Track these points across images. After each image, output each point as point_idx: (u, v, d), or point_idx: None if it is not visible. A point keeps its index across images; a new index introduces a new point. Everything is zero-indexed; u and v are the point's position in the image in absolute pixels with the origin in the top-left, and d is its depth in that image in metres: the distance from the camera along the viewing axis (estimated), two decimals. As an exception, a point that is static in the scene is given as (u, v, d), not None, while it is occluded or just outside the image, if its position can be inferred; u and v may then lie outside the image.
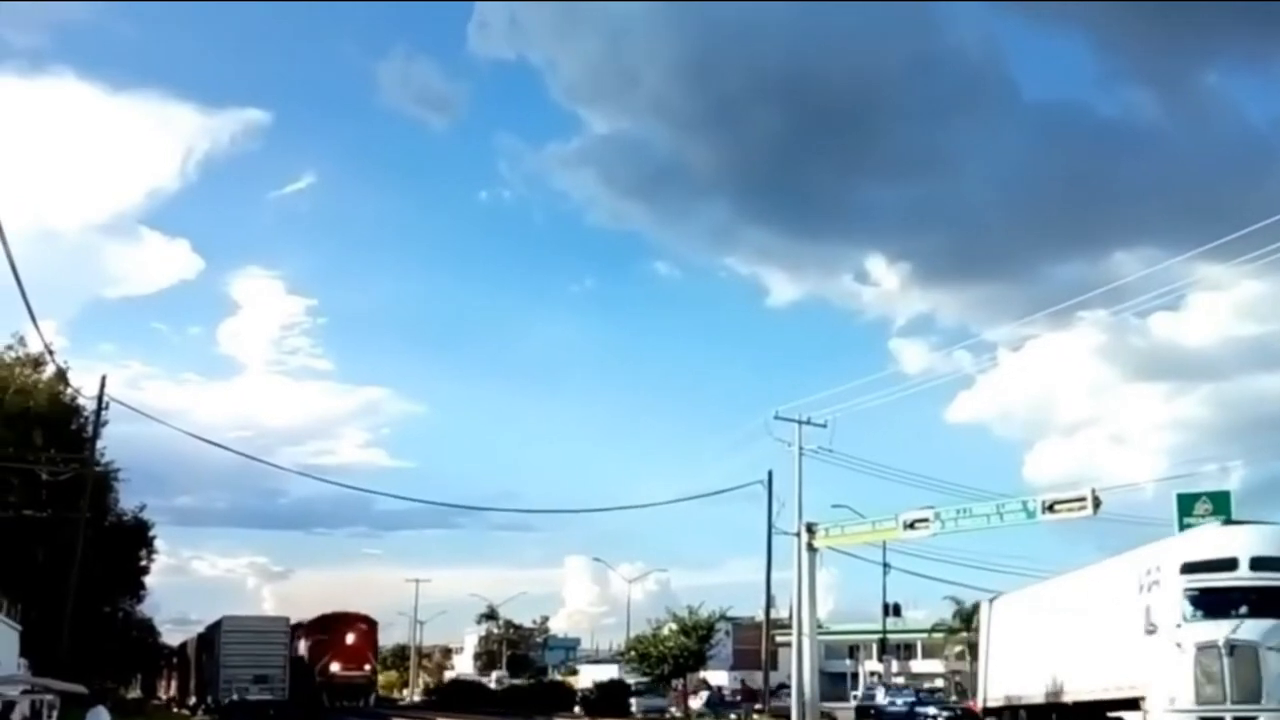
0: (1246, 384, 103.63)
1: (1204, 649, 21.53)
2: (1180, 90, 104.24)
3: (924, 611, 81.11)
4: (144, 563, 52.01)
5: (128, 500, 48.32)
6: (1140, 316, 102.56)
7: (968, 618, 63.01)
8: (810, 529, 40.32)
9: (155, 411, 44.26)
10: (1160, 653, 22.59)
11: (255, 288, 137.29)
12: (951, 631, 74.20)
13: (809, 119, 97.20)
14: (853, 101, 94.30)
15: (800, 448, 43.51)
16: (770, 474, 45.16)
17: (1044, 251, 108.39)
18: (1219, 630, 21.62)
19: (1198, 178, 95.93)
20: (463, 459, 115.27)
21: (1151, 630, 23.05)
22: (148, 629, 68.21)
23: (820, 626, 50.33)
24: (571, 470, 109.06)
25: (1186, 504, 56.41)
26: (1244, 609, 21.92)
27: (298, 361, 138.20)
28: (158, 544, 52.76)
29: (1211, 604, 22.28)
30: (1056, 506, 31.58)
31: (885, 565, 58.54)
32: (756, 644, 59.55)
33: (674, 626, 58.72)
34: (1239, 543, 23.38)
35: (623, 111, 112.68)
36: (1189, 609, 22.42)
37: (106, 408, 38.51)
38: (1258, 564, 22.46)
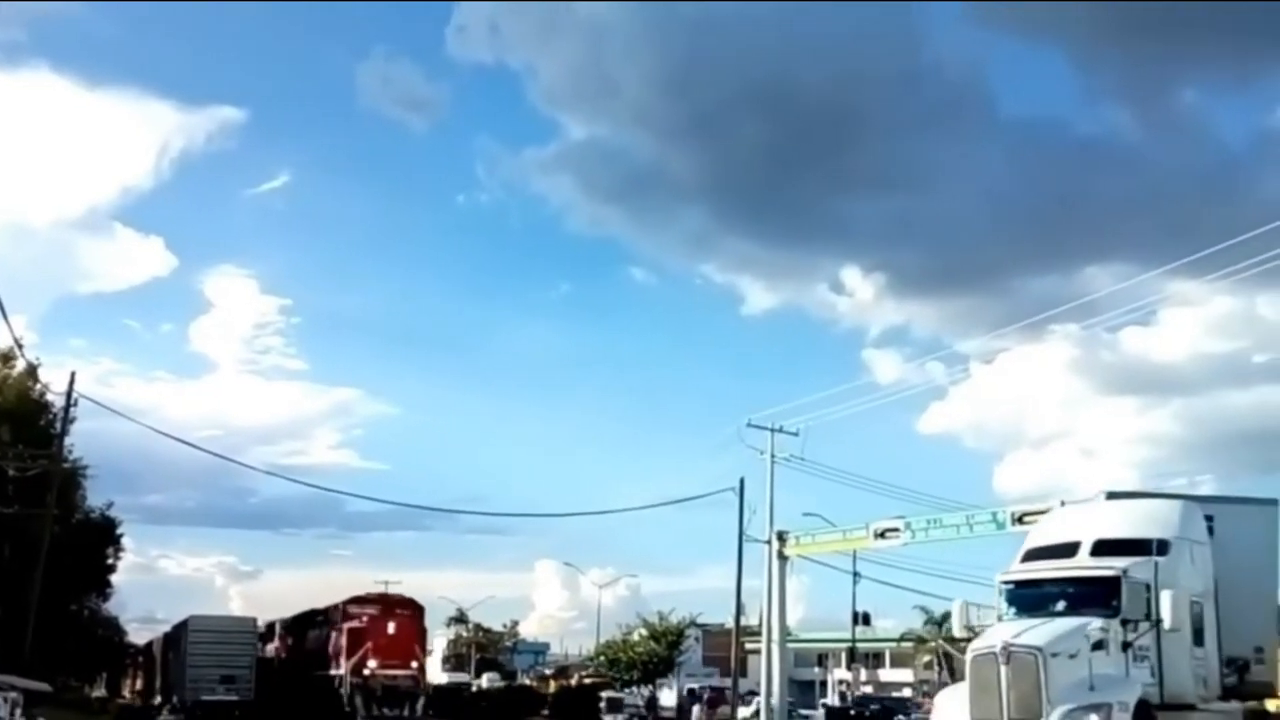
0: (1217, 399, 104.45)
1: (980, 657, 17.84)
2: (1157, 108, 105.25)
3: (893, 621, 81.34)
4: (111, 560, 51.76)
5: (95, 497, 48.10)
6: (1111, 331, 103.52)
7: (940, 623, 63.25)
8: (781, 537, 40.36)
9: (126, 409, 44.16)
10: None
11: (229, 286, 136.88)
12: (921, 641, 74.46)
13: (789, 130, 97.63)
14: (833, 114, 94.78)
15: (772, 455, 43.66)
16: (742, 481, 45.22)
17: (1018, 265, 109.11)
18: (1005, 633, 18.05)
19: (1172, 195, 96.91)
20: (435, 461, 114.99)
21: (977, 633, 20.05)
22: (114, 627, 67.75)
23: (790, 634, 50.40)
24: (544, 474, 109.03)
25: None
26: (1061, 604, 18.61)
27: (270, 361, 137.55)
28: (125, 542, 52.52)
29: (1025, 600, 19.15)
30: (1026, 518, 31.59)
31: (855, 574, 58.61)
32: (726, 650, 59.53)
33: (644, 632, 58.74)
34: (1087, 523, 20.53)
35: (602, 118, 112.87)
36: (1004, 606, 19.44)
37: (75, 404, 38.31)
38: (1099, 549, 19.28)
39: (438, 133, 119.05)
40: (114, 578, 53.85)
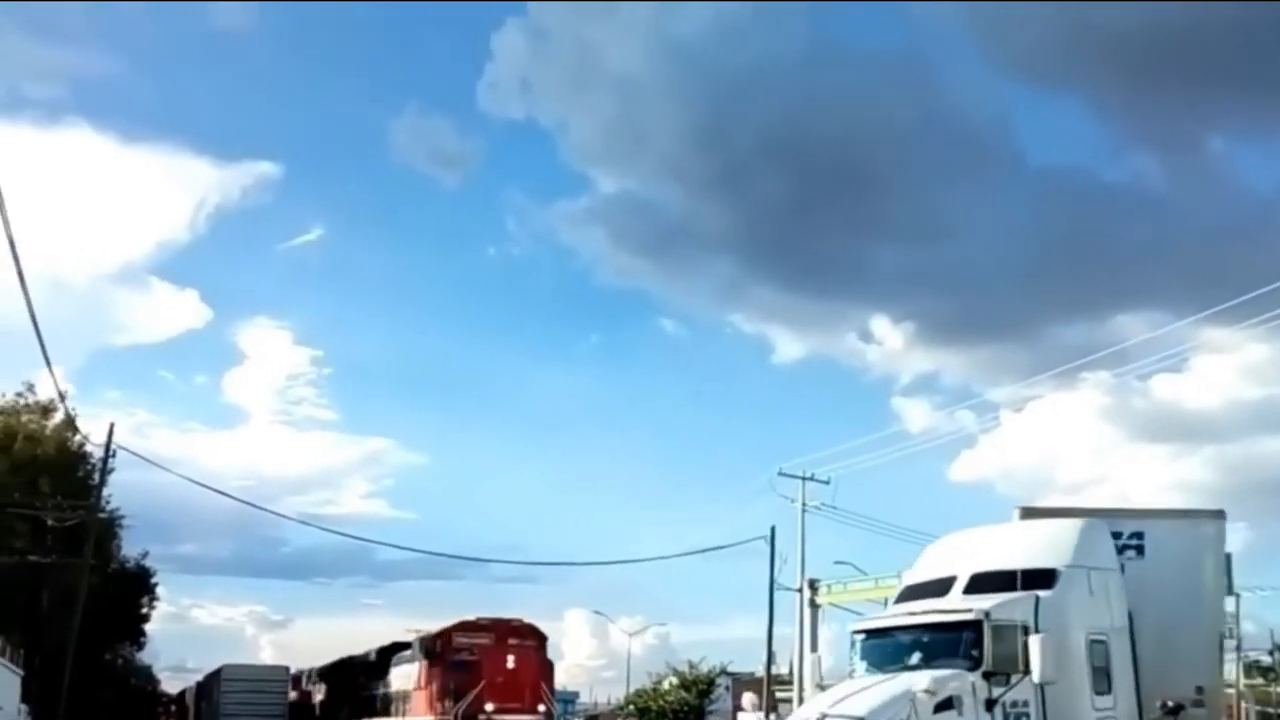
0: (1249, 446, 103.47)
1: None
2: (1184, 156, 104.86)
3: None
4: (145, 610, 52.33)
5: (130, 547, 48.67)
6: (1142, 379, 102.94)
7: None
8: (813, 585, 40.55)
9: (160, 459, 44.55)
10: None
11: (262, 338, 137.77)
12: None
13: (815, 180, 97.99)
14: (859, 164, 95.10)
15: (804, 504, 43.80)
16: (773, 530, 45.27)
17: (1047, 314, 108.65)
18: (826, 701, 15.26)
19: (1201, 242, 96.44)
20: (465, 511, 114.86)
21: None
22: (147, 676, 68.23)
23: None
24: (574, 524, 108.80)
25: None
26: (917, 656, 15.55)
27: (302, 411, 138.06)
28: (159, 591, 53.01)
29: (878, 653, 16.21)
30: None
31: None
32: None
33: (674, 681, 58.62)
34: (970, 552, 17.30)
35: (631, 171, 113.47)
36: (856, 661, 16.49)
37: (114, 455, 38.84)
38: (975, 585, 16.17)
39: (469, 187, 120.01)
40: (148, 627, 54.31)
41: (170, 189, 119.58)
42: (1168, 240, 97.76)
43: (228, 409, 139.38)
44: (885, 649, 16.03)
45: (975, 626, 14.91)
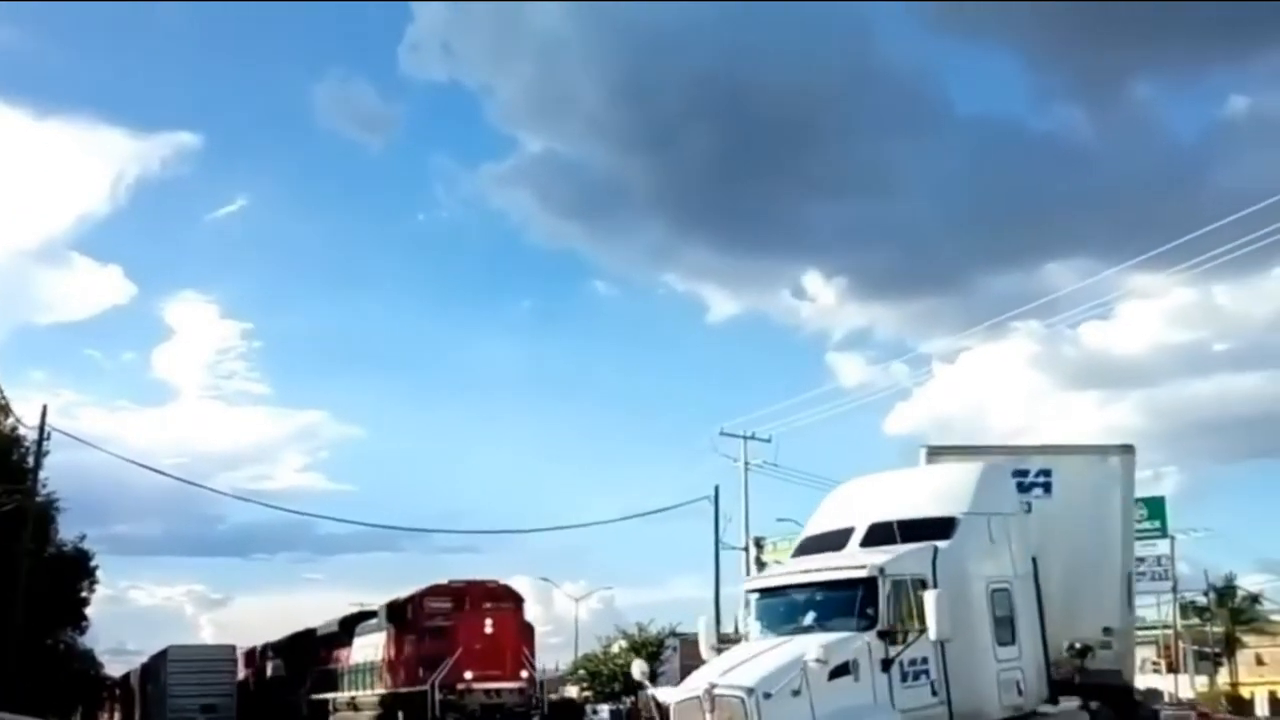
0: (1177, 390, 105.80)
1: (683, 704, 13.84)
2: (1110, 105, 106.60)
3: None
4: (85, 593, 51.65)
5: (67, 530, 48.05)
6: (1071, 327, 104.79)
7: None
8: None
9: (91, 439, 43.94)
10: None
11: (189, 312, 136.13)
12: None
13: (744, 137, 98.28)
14: (787, 119, 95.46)
15: (746, 463, 44.26)
16: (716, 489, 45.79)
17: (978, 264, 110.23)
18: (716, 669, 14.27)
19: (1128, 190, 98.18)
20: (404, 481, 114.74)
21: None
22: (89, 660, 67.44)
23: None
24: (516, 491, 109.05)
25: (1129, 511, 57.96)
26: (811, 616, 14.68)
27: (233, 386, 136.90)
28: (98, 574, 52.38)
29: (773, 613, 15.33)
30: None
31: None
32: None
33: (623, 644, 59.03)
34: (871, 500, 16.45)
35: (558, 132, 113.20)
36: (751, 622, 15.67)
37: (48, 438, 38.26)
38: (873, 536, 15.41)
39: (394, 152, 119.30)
40: (88, 610, 53.69)
41: (87, 162, 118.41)
42: (1095, 189, 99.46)
43: (157, 385, 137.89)
44: (780, 608, 15.25)
45: (870, 584, 14.19)
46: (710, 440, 45.24)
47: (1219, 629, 72.25)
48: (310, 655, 45.25)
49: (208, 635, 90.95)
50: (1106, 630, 17.16)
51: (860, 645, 13.79)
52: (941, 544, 14.76)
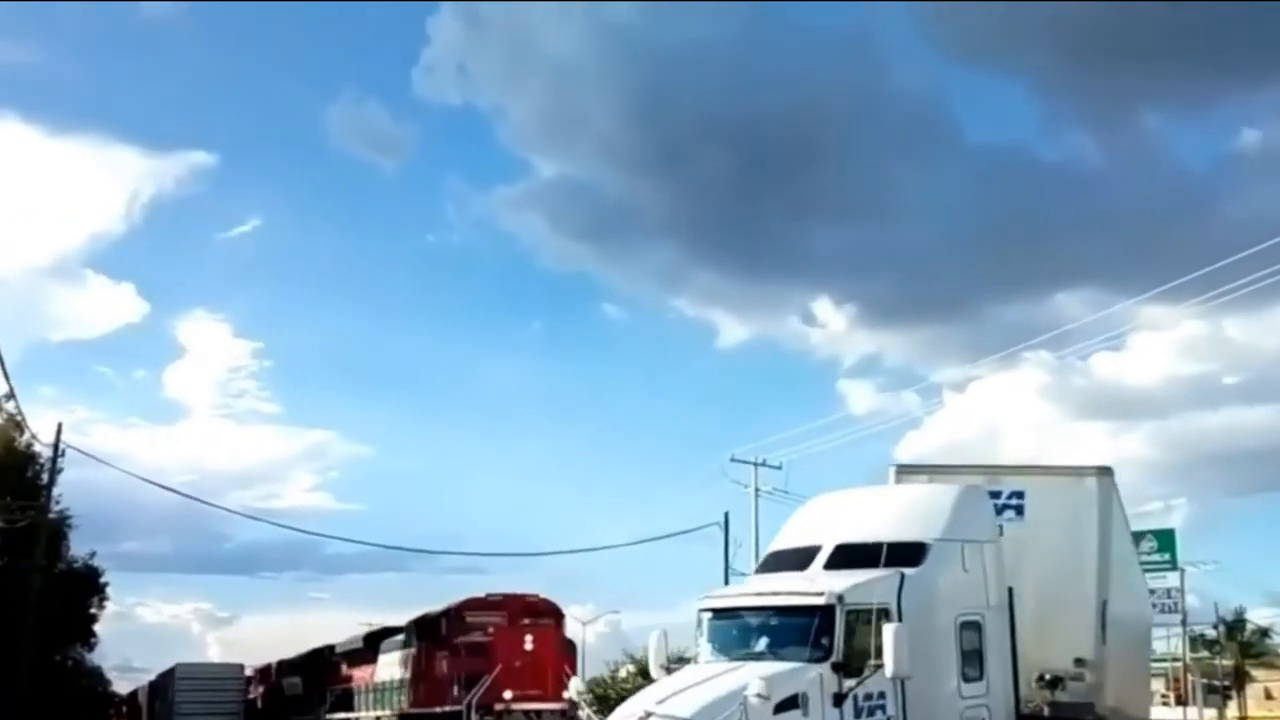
0: (1187, 422, 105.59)
1: None
2: (1119, 134, 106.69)
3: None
4: (95, 610, 51.92)
5: (78, 547, 48.32)
6: (1083, 358, 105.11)
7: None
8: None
9: (103, 456, 44.15)
10: None
11: (201, 331, 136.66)
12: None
13: (755, 162, 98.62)
14: (798, 144, 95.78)
15: (756, 489, 44.39)
16: (726, 515, 45.88)
17: (988, 293, 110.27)
18: (653, 697, 13.25)
19: (1137, 219, 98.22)
20: (412, 502, 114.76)
21: None
22: (98, 677, 67.68)
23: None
24: (523, 513, 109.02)
25: (1133, 542, 58.00)
26: (764, 642, 13.76)
27: (244, 405, 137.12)
28: (107, 591, 52.64)
29: (727, 635, 14.29)
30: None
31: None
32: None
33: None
34: (840, 518, 15.60)
35: (570, 156, 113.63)
36: (703, 640, 14.59)
37: (63, 454, 38.54)
38: (838, 558, 14.47)
39: (407, 174, 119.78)
40: (96, 627, 53.94)
41: (103, 180, 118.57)
42: (1104, 218, 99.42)
43: (168, 404, 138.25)
44: (733, 631, 14.17)
45: (826, 612, 13.11)
46: (721, 466, 45.46)
47: (1228, 662, 72.08)
48: (329, 672, 43.80)
49: (214, 654, 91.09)
50: (1078, 661, 16.26)
51: (812, 678, 12.71)
52: (910, 571, 13.76)
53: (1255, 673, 74.98)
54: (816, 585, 13.66)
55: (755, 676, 12.36)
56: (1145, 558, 58.54)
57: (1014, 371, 70.47)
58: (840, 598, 13.12)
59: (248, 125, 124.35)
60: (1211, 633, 71.62)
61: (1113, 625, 16.54)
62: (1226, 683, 72.94)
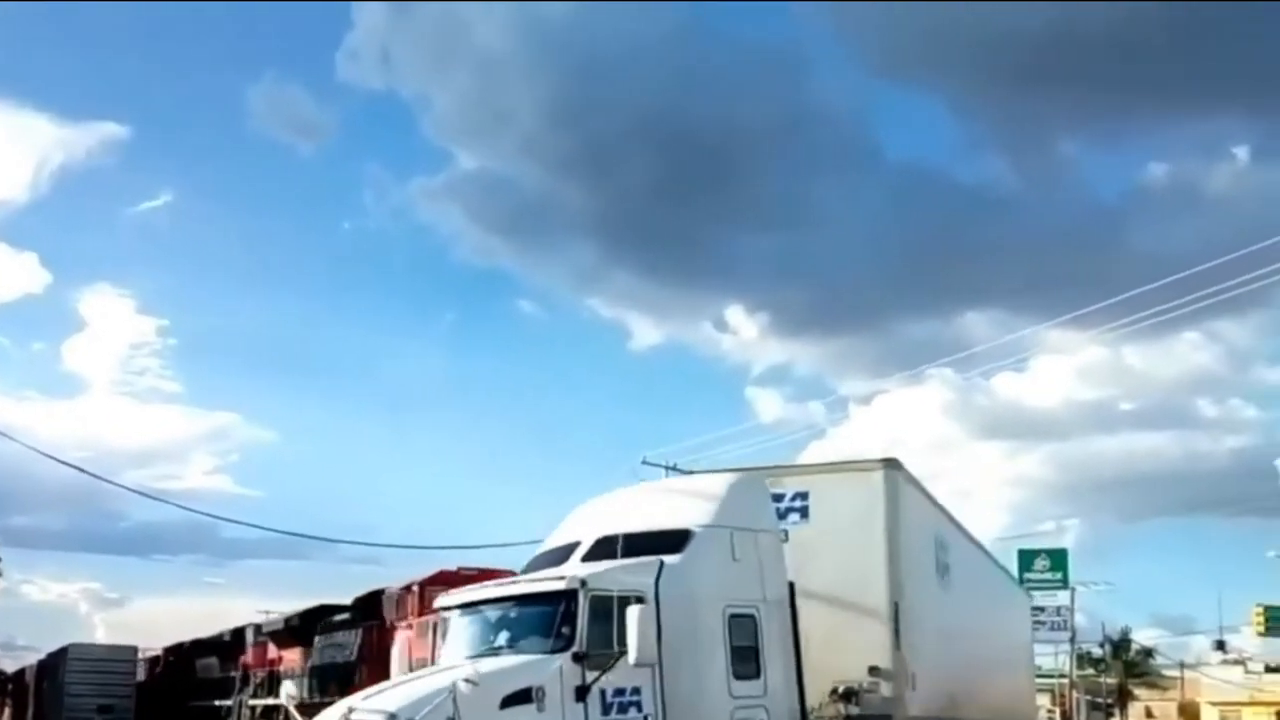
0: (1084, 445, 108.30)
1: None
2: (1034, 159, 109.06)
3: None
4: (-17, 587, 51.02)
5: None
6: (986, 378, 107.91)
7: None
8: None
9: None
10: None
11: (104, 305, 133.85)
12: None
13: (677, 166, 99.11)
14: (721, 151, 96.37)
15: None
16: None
17: (898, 308, 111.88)
18: (361, 695, 12.27)
19: (1047, 244, 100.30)
20: (314, 489, 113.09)
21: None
22: (-19, 656, 66.33)
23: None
24: (429, 506, 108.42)
25: (1027, 560, 59.52)
26: (505, 636, 12.65)
27: (145, 383, 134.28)
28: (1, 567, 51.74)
29: (469, 632, 13.23)
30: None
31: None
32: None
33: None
34: (612, 512, 14.71)
35: (493, 149, 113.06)
36: (443, 640, 13.96)
37: (-48, 426, 37.83)
38: (600, 550, 13.54)
39: (326, 158, 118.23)
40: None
41: (9, 147, 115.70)
42: (1015, 241, 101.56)
43: (67, 377, 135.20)
44: (474, 628, 13.11)
45: (568, 598, 12.10)
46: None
47: (1113, 680, 74.34)
48: (254, 654, 41.74)
49: (102, 635, 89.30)
50: (873, 670, 15.05)
51: (550, 670, 11.66)
52: (671, 558, 12.79)
53: (1138, 691, 77.36)
54: (559, 572, 12.78)
55: (474, 668, 11.54)
56: (1038, 576, 60.39)
57: (919, 387, 72.16)
58: (583, 582, 12.13)
59: (165, 100, 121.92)
60: (1098, 651, 73.85)
61: (912, 629, 15.44)
62: (1110, 700, 75.20)
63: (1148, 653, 75.34)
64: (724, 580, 13.26)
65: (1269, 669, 71.02)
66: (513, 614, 12.76)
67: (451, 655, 12.89)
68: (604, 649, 11.80)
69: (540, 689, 11.47)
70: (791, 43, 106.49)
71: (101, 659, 49.34)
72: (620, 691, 11.94)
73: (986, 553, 25.04)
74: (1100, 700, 74.77)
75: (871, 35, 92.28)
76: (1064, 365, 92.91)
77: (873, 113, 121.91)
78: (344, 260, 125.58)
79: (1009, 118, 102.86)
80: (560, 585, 12.25)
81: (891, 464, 16.09)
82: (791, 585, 13.96)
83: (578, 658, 11.79)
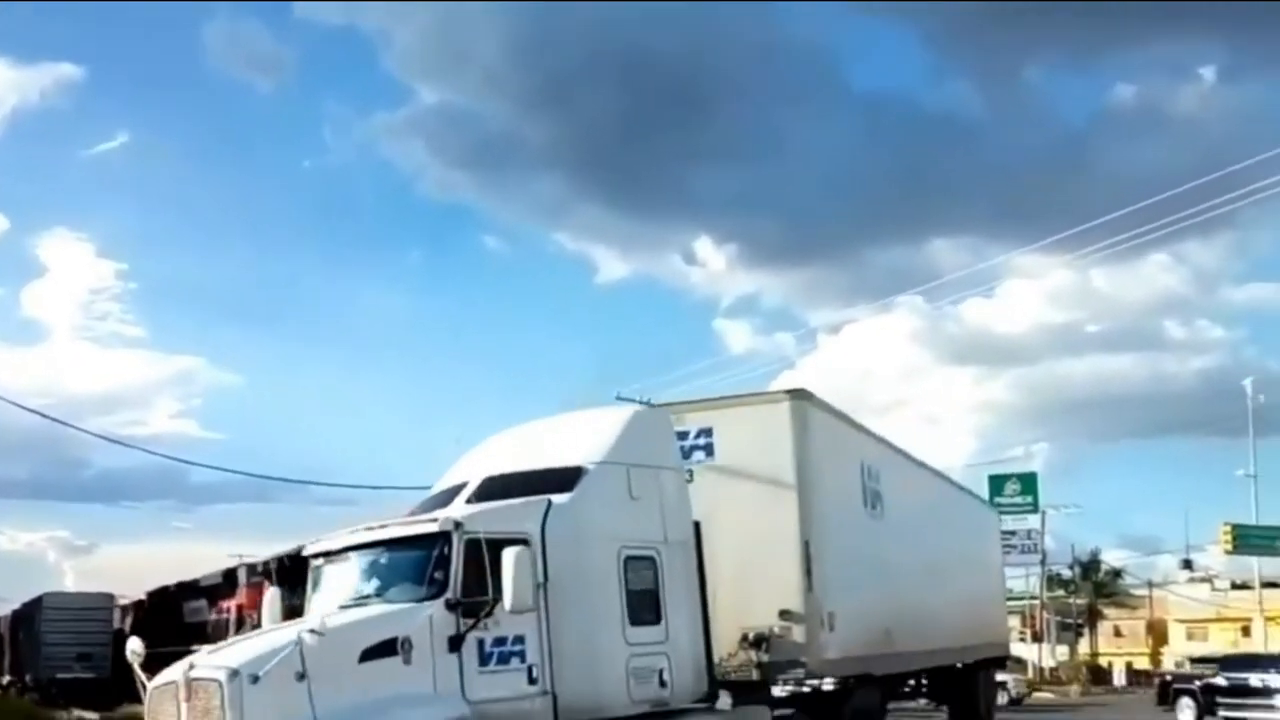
0: (1050, 368, 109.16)
1: (158, 690, 10.50)
2: (1003, 86, 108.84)
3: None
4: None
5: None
6: (954, 304, 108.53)
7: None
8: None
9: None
10: None
11: (63, 250, 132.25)
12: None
13: (642, 99, 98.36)
14: (687, 83, 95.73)
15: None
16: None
17: (867, 237, 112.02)
18: (218, 646, 11.70)
19: (1016, 171, 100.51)
20: (281, 432, 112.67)
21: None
22: (-45, 606, 66.15)
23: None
24: (397, 445, 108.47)
25: (998, 485, 60.20)
26: (374, 585, 11.68)
27: (107, 327, 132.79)
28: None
29: (335, 580, 12.18)
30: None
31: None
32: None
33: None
34: (505, 450, 13.56)
35: (455, 84, 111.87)
36: (312, 591, 12.52)
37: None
38: (486, 490, 12.40)
39: (284, 96, 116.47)
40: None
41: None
42: (984, 168, 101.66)
43: (27, 324, 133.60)
44: (343, 577, 12.01)
45: (441, 542, 11.15)
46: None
47: (1082, 601, 75.52)
48: (246, 596, 38.36)
49: (71, 583, 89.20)
50: (784, 614, 14.16)
51: (419, 619, 10.72)
52: (559, 498, 11.82)
53: (1107, 611, 78.65)
54: (434, 515, 11.73)
55: (327, 619, 10.54)
56: (1009, 500, 61.10)
57: (888, 316, 72.63)
58: (457, 524, 11.12)
59: (118, 38, 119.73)
60: (1067, 573, 74.92)
61: (828, 567, 14.56)
62: (1080, 621, 76.44)
63: (1116, 573, 76.43)
64: (620, 520, 12.31)
65: (1235, 586, 72.38)
66: (383, 561, 11.77)
67: (319, 607, 11.74)
68: (482, 596, 10.87)
69: (406, 640, 10.58)
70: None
71: (79, 607, 49.31)
72: (501, 641, 11.12)
73: (942, 476, 24.61)
74: (1070, 621, 75.99)
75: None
76: (1032, 290, 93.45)
77: (839, 43, 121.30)
78: (306, 199, 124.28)
79: (976, 45, 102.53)
80: (433, 528, 11.29)
81: (799, 394, 15.14)
82: (697, 525, 13.07)
83: (450, 605, 10.86)
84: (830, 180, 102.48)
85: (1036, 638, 65.44)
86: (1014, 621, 58.05)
